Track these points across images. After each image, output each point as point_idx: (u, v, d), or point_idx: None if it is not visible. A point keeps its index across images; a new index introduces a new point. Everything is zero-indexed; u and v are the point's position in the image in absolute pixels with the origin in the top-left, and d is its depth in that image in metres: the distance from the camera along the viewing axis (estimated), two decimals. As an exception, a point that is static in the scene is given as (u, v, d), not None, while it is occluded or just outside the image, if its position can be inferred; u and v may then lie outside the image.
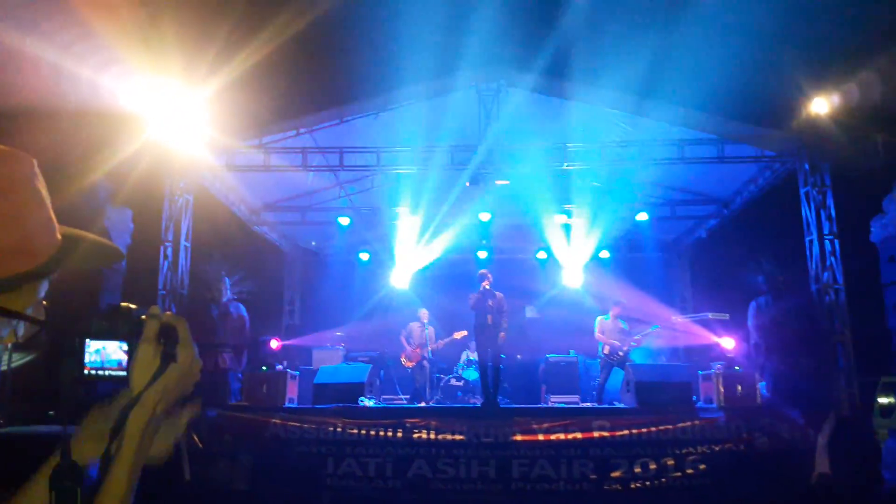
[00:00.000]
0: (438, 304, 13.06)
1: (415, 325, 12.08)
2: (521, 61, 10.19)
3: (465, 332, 11.85)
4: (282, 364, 10.81)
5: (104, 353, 1.03)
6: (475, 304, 9.53)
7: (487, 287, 9.52)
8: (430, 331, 11.96)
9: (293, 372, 9.76)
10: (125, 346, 1.03)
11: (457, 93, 10.25)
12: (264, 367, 9.02)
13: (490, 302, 9.41)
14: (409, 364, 11.83)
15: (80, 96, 6.56)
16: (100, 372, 1.03)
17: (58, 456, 0.96)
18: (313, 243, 15.58)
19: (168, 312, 1.07)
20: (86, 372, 1.02)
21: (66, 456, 0.96)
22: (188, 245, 9.87)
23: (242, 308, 9.53)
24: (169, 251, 9.64)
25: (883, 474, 7.19)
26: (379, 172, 11.45)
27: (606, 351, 10.88)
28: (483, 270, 9.82)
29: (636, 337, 11.05)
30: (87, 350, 1.02)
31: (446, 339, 12.03)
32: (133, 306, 1.06)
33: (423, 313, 12.16)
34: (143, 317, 1.04)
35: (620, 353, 10.74)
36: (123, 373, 1.02)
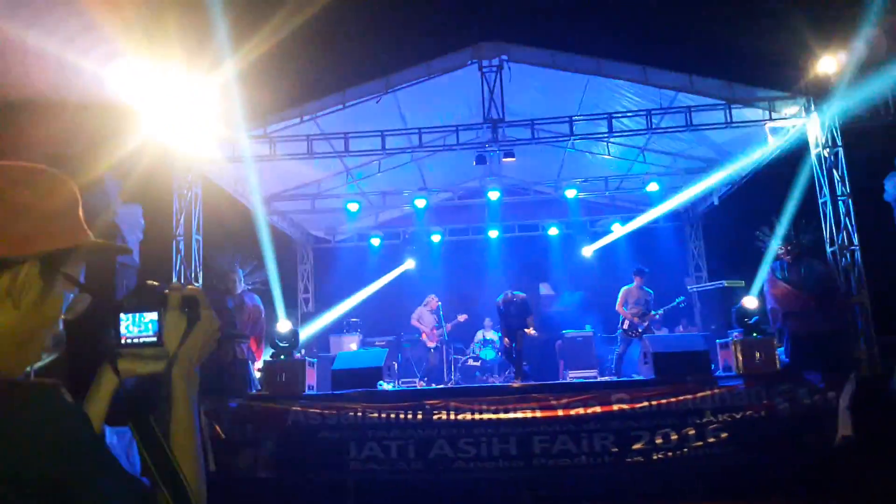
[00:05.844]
0: (450, 285, 13.07)
1: (424, 310, 12.13)
2: (518, 35, 10.10)
3: (465, 316, 12.09)
4: (300, 352, 10.85)
5: (140, 324, 1.26)
6: (500, 310, 10.84)
7: (510, 296, 10.70)
8: (440, 314, 12.06)
9: (311, 359, 9.79)
10: (156, 316, 1.25)
11: (460, 72, 10.15)
12: (282, 356, 9.04)
13: (513, 309, 10.65)
14: (432, 343, 11.93)
15: (84, 89, 6.55)
16: (135, 340, 1.25)
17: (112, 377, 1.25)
18: (322, 232, 15.58)
19: (190, 285, 1.33)
20: (123, 341, 1.24)
21: (128, 392, 1.25)
22: (200, 238, 9.88)
23: (257, 298, 9.54)
24: (181, 245, 9.66)
25: (907, 433, 7.15)
26: (384, 156, 11.39)
27: (625, 326, 10.84)
28: (507, 294, 10.83)
29: (659, 311, 11.01)
30: (122, 322, 1.25)
31: (451, 323, 12.13)
32: (156, 283, 1.30)
33: (432, 298, 12.21)
34: (167, 291, 1.28)
35: (639, 331, 10.68)
36: (155, 338, 1.24)
